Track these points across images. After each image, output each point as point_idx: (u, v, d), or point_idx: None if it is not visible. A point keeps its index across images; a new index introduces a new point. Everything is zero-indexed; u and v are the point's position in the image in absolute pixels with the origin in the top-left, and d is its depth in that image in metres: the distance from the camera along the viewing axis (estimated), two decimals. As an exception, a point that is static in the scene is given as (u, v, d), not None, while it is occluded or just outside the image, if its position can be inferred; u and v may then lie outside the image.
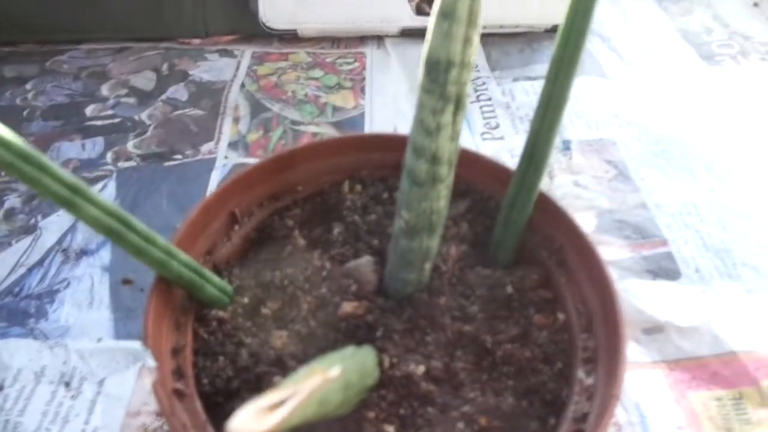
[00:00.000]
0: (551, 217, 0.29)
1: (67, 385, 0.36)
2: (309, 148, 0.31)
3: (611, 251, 0.42)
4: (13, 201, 0.47)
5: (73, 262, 0.43)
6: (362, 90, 0.55)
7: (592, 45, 0.61)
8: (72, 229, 0.45)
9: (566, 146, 0.49)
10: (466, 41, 0.22)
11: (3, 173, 0.48)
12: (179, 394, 0.23)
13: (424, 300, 0.27)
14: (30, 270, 0.43)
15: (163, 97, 0.55)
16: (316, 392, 0.16)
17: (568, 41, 0.24)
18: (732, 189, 0.46)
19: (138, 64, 0.58)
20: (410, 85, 0.56)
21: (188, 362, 0.25)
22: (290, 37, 0.61)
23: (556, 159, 0.49)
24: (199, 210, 0.28)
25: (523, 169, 0.27)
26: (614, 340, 0.24)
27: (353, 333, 0.26)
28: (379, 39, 0.61)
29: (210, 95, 0.55)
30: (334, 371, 0.17)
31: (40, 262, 0.43)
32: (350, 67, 0.58)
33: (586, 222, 0.44)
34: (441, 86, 0.22)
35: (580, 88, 0.55)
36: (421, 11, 0.60)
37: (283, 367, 0.25)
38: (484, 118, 0.53)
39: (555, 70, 0.25)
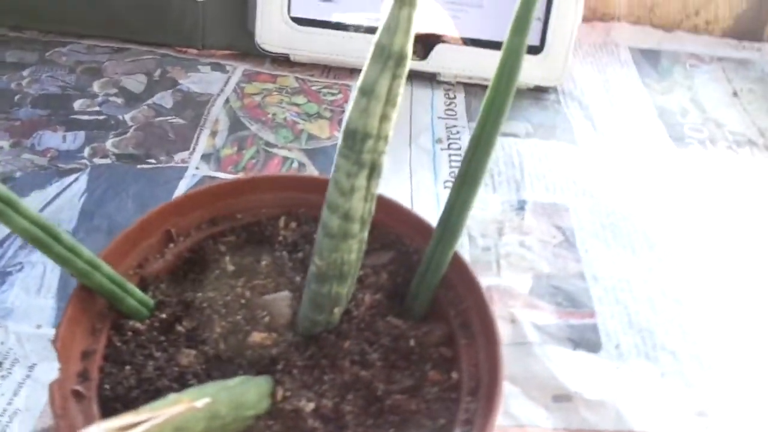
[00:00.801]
0: (464, 279, 0.31)
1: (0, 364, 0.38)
2: (254, 180, 0.33)
3: (540, 315, 0.44)
4: (-13, 180, 0.49)
5: (30, 247, 0.45)
6: (340, 122, 0.57)
7: (569, 110, 0.63)
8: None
9: (520, 206, 0.52)
10: (384, 117, 0.24)
11: (-18, 153, 0.51)
12: (78, 395, 0.25)
13: (329, 341, 0.29)
14: (-12, 250, 0.45)
15: (150, 101, 0.57)
16: (174, 419, 0.18)
17: (488, 117, 0.25)
18: (669, 271, 0.48)
19: (132, 66, 0.61)
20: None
21: (95, 367, 0.27)
22: (282, 60, 0.63)
23: (508, 217, 0.51)
24: (136, 225, 0.30)
25: (439, 232, 0.29)
26: (488, 410, 0.26)
27: (257, 361, 0.28)
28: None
29: (194, 106, 0.57)
30: (200, 402, 0.19)
31: (-1, 244, 0.45)
32: (333, 98, 0.60)
33: (522, 283, 0.46)
34: (356, 153, 0.24)
35: (547, 151, 0.57)
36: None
37: (183, 384, 0.27)
38: (451, 167, 0.55)
39: (473, 147, 0.27)
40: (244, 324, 0.29)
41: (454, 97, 0.63)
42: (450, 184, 0.54)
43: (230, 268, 0.32)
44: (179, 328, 0.29)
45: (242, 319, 0.29)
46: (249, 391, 0.26)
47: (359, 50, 0.62)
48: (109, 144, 0.53)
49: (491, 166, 0.55)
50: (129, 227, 0.30)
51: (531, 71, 0.62)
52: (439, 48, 0.62)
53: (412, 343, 0.30)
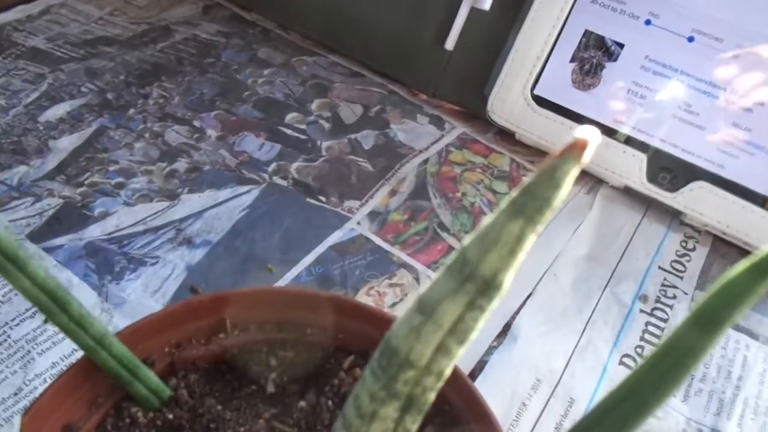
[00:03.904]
0: None
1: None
2: (345, 303, 0.27)
3: None
4: (181, 164, 0.51)
5: (176, 244, 0.46)
6: (531, 231, 0.48)
7: None
8: (199, 215, 0.48)
9: (712, 438, 0.37)
10: (442, 350, 0.16)
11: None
12: (26, 477, 0.22)
13: None
14: (145, 231, 0.46)
15: (353, 136, 0.55)
16: None
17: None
18: None
19: (357, 95, 0.59)
20: (590, 250, 0.48)
21: (70, 446, 0.24)
22: (507, 137, 0.56)
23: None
24: (186, 302, 0.26)
25: None
26: None
27: None
28: (596, 181, 0.53)
29: (390, 156, 0.53)
30: None
31: (156, 229, 0.47)
32: (540, 198, 0.51)
33: None
34: (388, 378, 0.17)
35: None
36: (653, 180, 0.50)
37: None
38: (643, 340, 0.43)
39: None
40: (238, 474, 0.24)
41: (693, 249, 0.49)
42: (630, 362, 0.41)
43: (270, 389, 0.27)
44: (175, 440, 0.25)
45: (239, 467, 0.24)
46: None
47: (597, 155, 0.51)
48: (294, 167, 0.52)
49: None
50: (180, 302, 0.26)
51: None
52: (697, 186, 0.49)
53: None
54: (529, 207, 0.14)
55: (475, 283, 0.15)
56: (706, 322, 0.13)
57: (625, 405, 0.14)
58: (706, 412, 0.39)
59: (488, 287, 0.15)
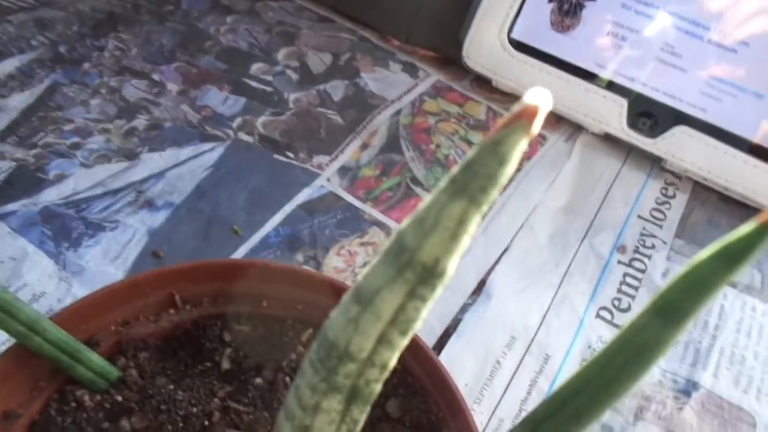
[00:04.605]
0: None
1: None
2: (299, 273, 0.26)
3: None
4: (140, 121, 0.49)
5: (136, 207, 0.43)
6: (508, 183, 0.47)
7: None
8: (161, 175, 0.45)
9: (686, 389, 0.37)
10: (384, 342, 0.14)
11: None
12: (-37, 470, 0.21)
13: None
14: (104, 194, 0.44)
15: (321, 86, 0.52)
16: None
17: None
18: None
19: (326, 42, 0.56)
20: (568, 201, 0.47)
21: (11, 434, 0.22)
22: (483, 84, 0.54)
23: (660, 397, 0.37)
24: (132, 279, 0.24)
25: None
26: None
27: None
28: (575, 129, 0.51)
29: (360, 107, 0.51)
30: None
31: (116, 191, 0.44)
32: (517, 148, 0.49)
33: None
34: (327, 371, 0.15)
35: (767, 324, 0.40)
36: (633, 125, 0.48)
37: (84, 503, 0.22)
38: (620, 292, 0.42)
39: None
40: (193, 456, 0.23)
41: (673, 196, 0.48)
42: (606, 315, 0.41)
43: (225, 366, 0.25)
44: (124, 423, 0.23)
45: (194, 448, 0.23)
46: None
47: (575, 101, 0.49)
48: (260, 121, 0.49)
49: (674, 314, 0.41)
50: (125, 279, 0.24)
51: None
52: (679, 131, 0.47)
53: None
54: (472, 186, 0.12)
55: (414, 271, 0.13)
56: (669, 312, 0.12)
57: (579, 399, 0.13)
58: (681, 363, 0.38)
59: (429, 275, 0.13)
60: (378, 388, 0.16)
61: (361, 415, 0.17)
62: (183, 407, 0.24)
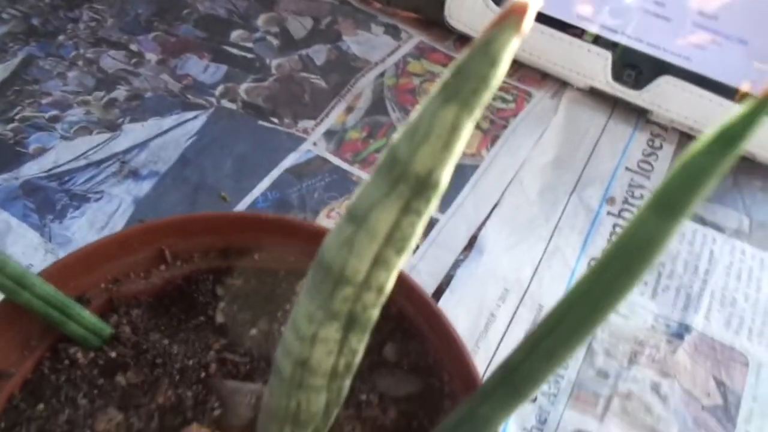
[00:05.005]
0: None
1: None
2: (290, 224, 0.26)
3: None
4: (120, 92, 0.48)
5: (121, 177, 0.43)
6: (494, 140, 0.46)
7: None
8: (144, 145, 0.45)
9: (679, 332, 0.37)
10: (380, 262, 0.14)
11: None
12: (-43, 429, 0.21)
13: (277, 477, 0.21)
14: (87, 166, 0.43)
15: (303, 51, 0.51)
16: None
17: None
18: None
19: (306, 6, 0.55)
20: (556, 156, 0.46)
21: (4, 394, 0.22)
22: (468, 42, 0.53)
23: (654, 341, 0.37)
24: (121, 234, 0.24)
25: (489, 387, 0.19)
26: None
27: (180, 464, 0.22)
28: (560, 85, 0.51)
29: (343, 71, 0.50)
30: None
31: (99, 163, 0.44)
32: (504, 105, 0.49)
33: (628, 446, 0.33)
34: (324, 296, 0.15)
35: (756, 266, 0.41)
36: (618, 78, 0.48)
37: (83, 457, 0.21)
38: (609, 242, 0.42)
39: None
40: (190, 407, 0.23)
41: (659, 147, 0.48)
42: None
43: (219, 320, 0.25)
44: (120, 378, 0.23)
45: (191, 399, 0.23)
46: None
47: (560, 56, 0.49)
48: (243, 88, 0.49)
49: (662, 260, 0.41)
50: (113, 234, 0.24)
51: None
52: (663, 81, 0.47)
53: None
54: (464, 89, 0.12)
55: (408, 183, 0.13)
56: (667, 206, 0.12)
57: (579, 309, 0.13)
58: (673, 307, 0.38)
59: (423, 187, 0.13)
60: (375, 314, 0.16)
61: (360, 344, 0.17)
62: (179, 360, 0.24)
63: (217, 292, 0.26)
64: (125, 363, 0.24)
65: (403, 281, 0.23)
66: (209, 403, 0.23)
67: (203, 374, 0.23)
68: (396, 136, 0.13)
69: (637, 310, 0.38)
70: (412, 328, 0.24)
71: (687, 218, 0.12)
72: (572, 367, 0.36)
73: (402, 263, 0.15)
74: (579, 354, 0.36)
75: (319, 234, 0.25)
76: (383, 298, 0.15)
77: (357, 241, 0.14)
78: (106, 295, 0.25)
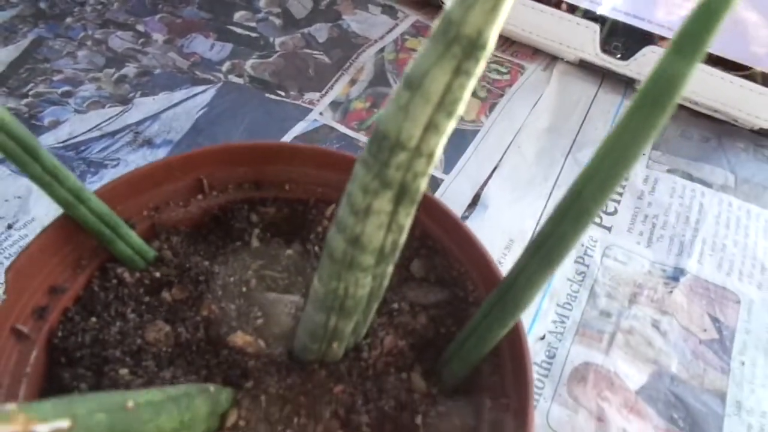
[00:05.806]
0: (514, 366, 0.23)
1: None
2: (322, 153, 0.27)
3: (641, 427, 0.33)
4: (130, 69, 0.49)
5: (135, 146, 0.44)
6: (492, 108, 0.49)
7: None
8: (156, 117, 0.46)
9: (675, 275, 0.40)
10: (432, 127, 0.16)
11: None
12: (18, 334, 0.22)
13: (319, 377, 0.23)
14: (102, 137, 0.45)
15: (305, 30, 0.54)
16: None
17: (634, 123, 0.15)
18: None
19: (305, -11, 0.57)
20: (550, 123, 0.49)
21: (59, 307, 0.23)
22: (461, 21, 0.55)
23: (652, 284, 0.39)
24: (161, 162, 0.26)
25: (495, 297, 0.21)
26: None
27: (227, 367, 0.23)
28: (551, 59, 0.54)
29: (345, 47, 0.52)
30: (40, 426, 0.14)
31: (113, 134, 0.45)
32: (498, 77, 0.51)
33: (634, 375, 0.35)
34: (380, 165, 0.17)
35: (742, 216, 0.43)
36: (606, 49, 0.51)
37: (136, 362, 0.23)
38: (606, 198, 0.44)
39: (599, 160, 0.16)
40: (234, 317, 0.24)
41: (648, 115, 0.51)
42: (596, 218, 0.43)
43: (255, 244, 0.27)
44: (165, 294, 0.25)
45: (234, 311, 0.24)
46: (199, 408, 0.21)
47: (551, 31, 0.52)
48: (249, 64, 0.50)
49: (656, 212, 0.43)
50: (157, 161, 0.25)
51: (762, 108, 0.47)
52: (649, 50, 0.50)
53: (418, 420, 0.23)
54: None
55: (460, 44, 0.15)
56: (687, 46, 0.14)
57: (625, 135, 0.15)
58: (668, 254, 0.41)
59: (474, 47, 0.15)
60: (424, 184, 0.18)
61: (407, 219, 0.18)
62: (220, 278, 0.25)
63: (252, 219, 0.27)
64: (170, 281, 0.25)
65: (425, 201, 0.25)
66: (252, 314, 0.24)
67: (244, 289, 0.25)
68: (450, 2, 0.15)
69: (634, 257, 0.41)
70: (437, 244, 0.26)
71: (701, 59, 0.14)
72: (576, 308, 0.38)
73: (450, 128, 0.16)
74: (582, 297, 0.38)
75: (349, 162, 0.27)
76: (432, 167, 0.17)
77: (412, 106, 0.16)
78: (148, 222, 0.26)
